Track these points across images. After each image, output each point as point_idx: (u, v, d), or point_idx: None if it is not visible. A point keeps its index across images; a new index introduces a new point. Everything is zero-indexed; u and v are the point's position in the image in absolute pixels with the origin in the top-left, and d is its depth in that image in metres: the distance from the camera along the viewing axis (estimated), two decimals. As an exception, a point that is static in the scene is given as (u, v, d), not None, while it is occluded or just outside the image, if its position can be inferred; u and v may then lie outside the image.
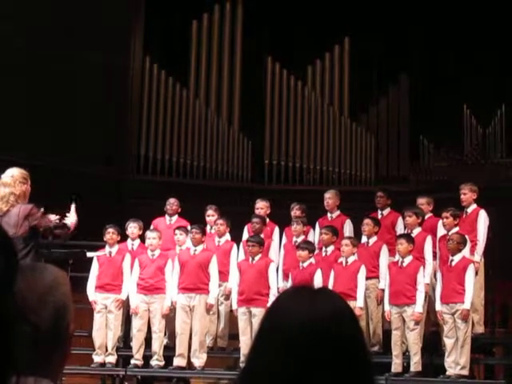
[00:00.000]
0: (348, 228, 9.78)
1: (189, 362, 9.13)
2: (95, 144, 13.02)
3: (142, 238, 9.71)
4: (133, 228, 9.64)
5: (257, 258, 9.09)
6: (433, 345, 9.06)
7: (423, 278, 8.74)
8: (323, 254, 9.32)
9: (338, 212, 9.99)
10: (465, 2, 14.21)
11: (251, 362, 1.41)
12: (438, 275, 8.78)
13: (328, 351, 1.36)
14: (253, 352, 1.41)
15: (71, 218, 6.92)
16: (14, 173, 6.67)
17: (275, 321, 1.40)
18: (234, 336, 9.48)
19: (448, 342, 8.49)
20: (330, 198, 10.00)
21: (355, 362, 1.38)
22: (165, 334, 9.42)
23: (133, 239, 9.71)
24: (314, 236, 9.75)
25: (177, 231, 9.55)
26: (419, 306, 8.64)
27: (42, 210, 6.63)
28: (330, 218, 9.94)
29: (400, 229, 9.60)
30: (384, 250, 9.18)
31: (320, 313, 1.40)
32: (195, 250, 9.20)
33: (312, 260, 9.02)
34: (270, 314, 1.44)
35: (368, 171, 14.82)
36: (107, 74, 13.54)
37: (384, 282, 9.01)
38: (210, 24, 15.32)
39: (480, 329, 9.08)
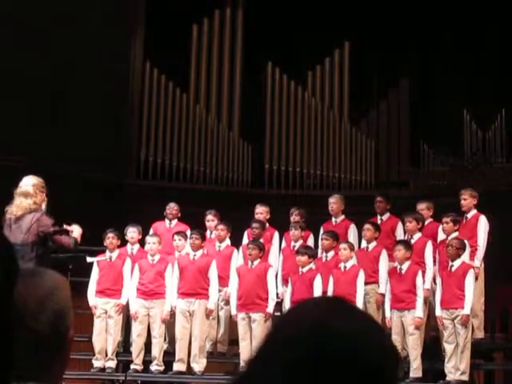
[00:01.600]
0: (352, 233, 9.78)
1: (188, 367, 9.12)
2: (95, 148, 13.02)
3: (142, 242, 9.71)
4: (132, 233, 9.64)
5: (256, 262, 9.09)
6: (433, 350, 9.05)
7: (422, 282, 8.74)
8: (323, 259, 9.32)
9: (342, 217, 9.99)
10: (464, 6, 14.22)
11: (251, 372, 1.29)
12: (438, 280, 8.78)
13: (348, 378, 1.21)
14: (256, 362, 1.29)
15: (75, 232, 6.97)
16: (33, 181, 6.72)
17: (287, 332, 1.24)
18: (233, 341, 9.48)
19: (448, 348, 8.48)
20: (334, 202, 10.00)
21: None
22: (165, 339, 9.42)
23: (132, 244, 9.71)
24: (319, 241, 9.73)
25: (175, 236, 9.55)
26: (419, 311, 8.63)
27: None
28: (334, 223, 9.95)
29: (400, 234, 9.60)
30: (383, 255, 9.18)
31: (350, 332, 1.23)
32: (195, 255, 9.20)
33: (312, 265, 9.01)
34: (281, 325, 1.28)
35: (368, 176, 14.81)
36: (108, 79, 13.54)
37: (384, 286, 9.01)
38: (211, 29, 15.33)
39: (480, 334, 9.08)
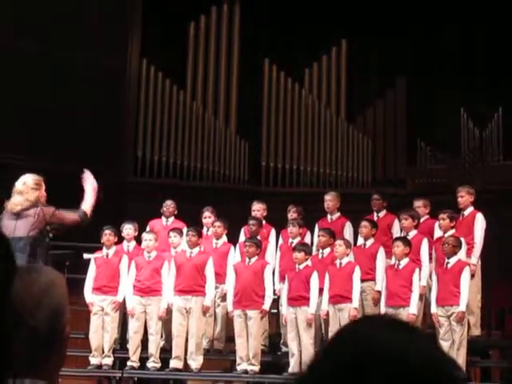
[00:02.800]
0: (348, 230, 9.77)
1: (185, 364, 9.13)
2: (92, 146, 13.01)
3: (138, 239, 9.71)
4: (128, 229, 9.64)
5: (253, 259, 9.09)
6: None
7: (418, 279, 8.75)
8: (320, 256, 9.33)
9: (338, 214, 9.98)
10: (461, 6, 14.22)
11: None
12: (434, 277, 8.78)
13: None
14: (308, 372, 1.24)
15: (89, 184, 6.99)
16: (26, 180, 6.76)
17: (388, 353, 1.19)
18: (230, 338, 9.48)
19: (444, 345, 8.47)
20: (330, 200, 9.99)
21: None
22: (161, 336, 9.42)
23: (128, 241, 9.71)
24: (314, 238, 9.73)
25: (171, 233, 9.54)
26: (413, 308, 8.64)
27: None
28: (329, 220, 9.94)
29: (396, 231, 9.61)
30: (381, 252, 9.18)
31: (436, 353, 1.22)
32: (191, 253, 9.20)
33: (308, 262, 9.02)
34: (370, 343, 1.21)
35: (365, 174, 14.82)
36: (104, 76, 13.53)
37: (380, 284, 9.02)
38: (207, 26, 15.32)
39: (476, 331, 9.09)
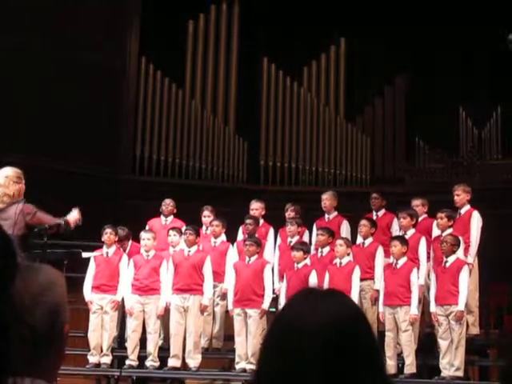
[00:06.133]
0: (345, 229, 9.77)
1: (183, 363, 9.12)
2: (91, 144, 13.01)
3: (137, 238, 9.69)
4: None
5: (253, 258, 9.09)
6: (427, 346, 9.06)
7: (417, 279, 8.75)
8: (319, 255, 9.32)
9: (335, 213, 9.99)
10: (461, 4, 14.23)
11: (262, 370, 1.43)
12: (432, 276, 8.78)
13: (346, 352, 1.36)
14: (262, 359, 1.43)
15: (73, 214, 6.95)
16: (7, 173, 6.69)
17: (288, 325, 1.40)
18: (229, 337, 9.48)
19: (443, 344, 8.49)
20: (327, 199, 9.99)
21: (372, 362, 1.39)
22: (160, 335, 9.42)
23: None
24: (312, 237, 9.73)
25: (170, 232, 9.53)
26: (414, 308, 8.63)
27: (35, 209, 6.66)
28: (327, 219, 9.94)
29: (395, 230, 9.61)
30: (380, 251, 9.18)
31: (336, 315, 1.40)
32: (189, 251, 9.20)
33: (307, 261, 9.02)
34: (281, 319, 1.44)
35: (363, 172, 14.83)
36: (103, 75, 13.53)
37: (379, 282, 9.02)
38: (206, 24, 15.32)
39: (475, 330, 9.09)
